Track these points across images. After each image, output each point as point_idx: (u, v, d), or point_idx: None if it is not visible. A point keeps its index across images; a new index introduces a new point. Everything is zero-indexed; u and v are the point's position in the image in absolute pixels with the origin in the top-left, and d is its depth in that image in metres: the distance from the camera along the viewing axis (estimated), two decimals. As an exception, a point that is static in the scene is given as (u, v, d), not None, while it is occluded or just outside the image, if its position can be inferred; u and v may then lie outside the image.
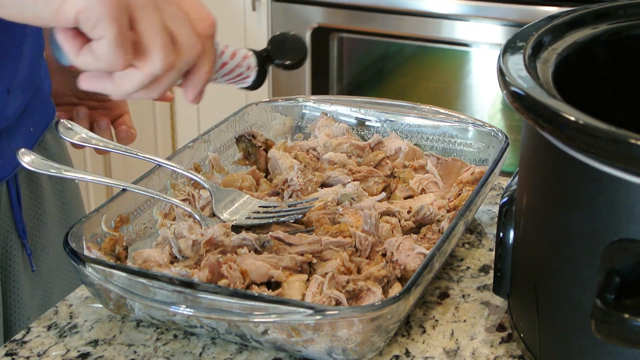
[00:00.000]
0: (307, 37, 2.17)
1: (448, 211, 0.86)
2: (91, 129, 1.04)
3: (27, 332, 0.76)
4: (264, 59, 0.75)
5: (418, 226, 0.85)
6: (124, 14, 0.59)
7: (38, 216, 1.00)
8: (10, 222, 0.96)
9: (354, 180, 0.91)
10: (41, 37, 0.95)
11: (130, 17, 0.60)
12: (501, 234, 0.72)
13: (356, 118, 1.04)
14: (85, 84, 0.65)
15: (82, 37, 0.61)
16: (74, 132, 0.88)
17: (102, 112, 1.05)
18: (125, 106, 1.07)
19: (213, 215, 0.86)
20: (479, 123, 0.97)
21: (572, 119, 0.56)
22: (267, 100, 1.05)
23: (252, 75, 0.74)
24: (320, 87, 2.22)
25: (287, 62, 0.76)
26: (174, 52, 0.63)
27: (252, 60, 0.74)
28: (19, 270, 0.97)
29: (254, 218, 0.85)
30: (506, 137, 0.92)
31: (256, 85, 0.75)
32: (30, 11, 0.59)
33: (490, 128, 0.96)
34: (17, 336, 0.76)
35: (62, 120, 0.88)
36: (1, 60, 0.88)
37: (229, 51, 0.72)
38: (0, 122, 0.90)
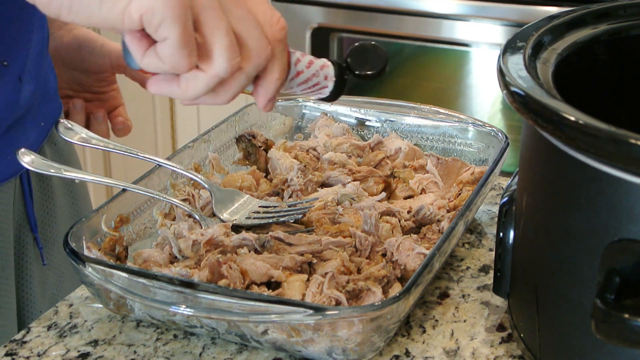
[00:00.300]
0: (307, 37, 2.17)
1: (448, 211, 0.86)
2: (87, 121, 1.05)
3: (27, 332, 0.76)
4: (343, 69, 0.73)
5: (418, 226, 0.85)
6: (188, 15, 0.59)
7: (48, 211, 1.01)
8: (24, 216, 0.98)
9: (354, 180, 0.91)
10: (45, 31, 0.96)
11: (195, 18, 0.60)
12: (501, 234, 0.72)
13: (356, 118, 1.04)
14: (154, 87, 0.64)
15: (148, 39, 0.61)
16: (74, 132, 0.88)
17: (97, 104, 1.05)
18: (120, 98, 1.08)
19: (213, 215, 0.86)
20: (479, 123, 0.97)
21: (572, 119, 0.56)
22: (267, 100, 1.05)
23: (330, 86, 0.72)
24: (320, 87, 2.22)
25: (368, 73, 0.73)
26: (240, 55, 0.62)
27: (330, 71, 0.72)
28: (31, 264, 0.99)
29: (254, 218, 0.85)
30: (506, 137, 0.92)
31: (334, 96, 0.73)
32: (97, 14, 0.59)
33: (490, 128, 0.96)
34: (17, 336, 0.76)
35: (62, 120, 0.88)
36: (13, 47, 0.88)
37: (306, 60, 0.71)
38: (14, 111, 0.90)
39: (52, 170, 0.82)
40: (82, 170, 1.11)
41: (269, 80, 0.66)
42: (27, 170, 0.96)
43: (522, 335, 0.70)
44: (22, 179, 0.96)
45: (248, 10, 0.63)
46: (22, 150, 0.82)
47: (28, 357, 0.73)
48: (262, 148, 0.98)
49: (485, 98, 2.29)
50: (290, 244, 0.79)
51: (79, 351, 0.74)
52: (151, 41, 0.61)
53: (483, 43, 2.05)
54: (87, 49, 1.02)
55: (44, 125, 0.98)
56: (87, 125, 1.05)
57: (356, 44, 0.74)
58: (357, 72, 0.73)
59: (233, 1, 0.62)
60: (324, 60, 0.72)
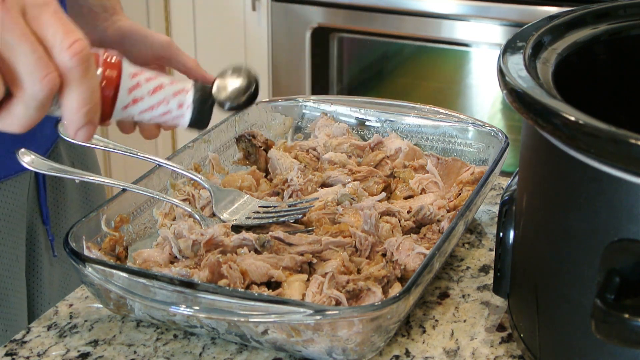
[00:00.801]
0: (307, 37, 2.17)
1: (448, 211, 0.86)
2: None
3: (27, 332, 0.76)
4: (207, 96, 0.64)
5: (418, 226, 0.85)
6: None
7: (59, 204, 1.02)
8: (36, 207, 0.99)
9: (354, 180, 0.91)
10: None
11: None
12: (501, 234, 0.72)
13: (356, 118, 1.04)
14: None
15: None
16: (74, 132, 0.88)
17: None
18: None
19: (213, 215, 0.86)
20: (479, 123, 0.97)
21: (572, 119, 0.56)
22: (267, 100, 1.05)
23: (187, 115, 0.64)
24: (320, 87, 2.23)
25: (228, 106, 0.65)
26: (13, 83, 0.58)
27: (188, 98, 0.64)
28: (41, 256, 1.00)
29: (254, 218, 0.85)
30: (506, 137, 0.92)
31: (196, 125, 0.65)
32: None
33: (490, 128, 0.96)
34: (17, 336, 0.76)
35: (62, 121, 0.88)
36: None
37: (151, 85, 0.63)
38: None
39: (52, 170, 0.82)
40: (96, 168, 1.12)
41: (67, 110, 0.60)
42: None
43: (522, 335, 0.70)
44: (37, 172, 0.97)
45: (26, 34, 0.57)
46: (22, 150, 0.82)
47: (28, 357, 0.73)
48: (262, 148, 0.98)
49: (485, 98, 2.29)
50: (290, 244, 0.79)
51: (79, 351, 0.74)
52: None
53: (483, 43, 2.05)
54: (129, 40, 1.01)
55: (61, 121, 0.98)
56: None
57: (227, 67, 0.66)
58: (221, 104, 0.65)
59: (7, 25, 0.57)
60: (182, 86, 0.64)
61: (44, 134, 0.96)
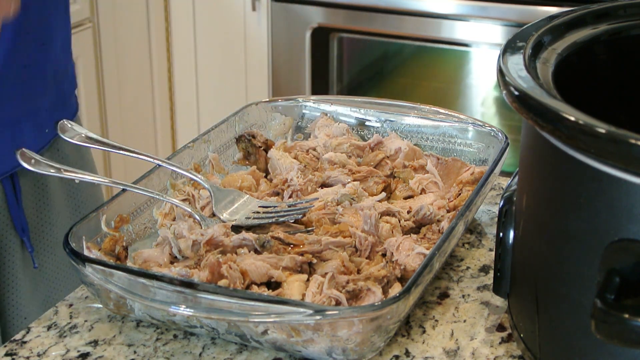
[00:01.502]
0: (307, 37, 2.17)
1: (448, 211, 0.86)
2: None
3: (27, 332, 0.76)
4: None
5: (418, 226, 0.85)
6: None
7: (41, 215, 1.01)
8: (7, 220, 0.97)
9: (354, 180, 0.91)
10: (68, 30, 0.96)
11: None
12: (501, 234, 0.72)
13: (356, 118, 1.03)
14: None
15: None
16: (74, 132, 0.88)
17: None
18: None
19: (213, 215, 0.86)
20: (479, 123, 0.97)
21: (572, 119, 0.56)
22: (267, 100, 1.05)
23: None
24: (320, 87, 2.23)
25: None
26: None
27: None
28: (15, 270, 0.98)
29: (254, 218, 0.85)
30: (506, 137, 0.92)
31: None
32: None
33: (490, 128, 0.96)
34: (17, 336, 0.76)
35: (62, 120, 0.88)
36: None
37: None
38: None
39: (51, 171, 0.82)
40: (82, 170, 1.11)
41: None
42: (13, 174, 0.95)
43: (522, 335, 0.70)
44: (3, 184, 0.95)
45: None
46: (22, 150, 0.82)
47: (28, 357, 0.73)
48: (262, 148, 0.98)
49: (485, 98, 2.29)
50: (290, 244, 0.79)
51: (79, 351, 0.74)
52: None
53: (483, 43, 2.05)
54: None
55: (48, 132, 0.97)
56: None
57: None
58: None
59: None
60: None
61: (22, 146, 0.95)
